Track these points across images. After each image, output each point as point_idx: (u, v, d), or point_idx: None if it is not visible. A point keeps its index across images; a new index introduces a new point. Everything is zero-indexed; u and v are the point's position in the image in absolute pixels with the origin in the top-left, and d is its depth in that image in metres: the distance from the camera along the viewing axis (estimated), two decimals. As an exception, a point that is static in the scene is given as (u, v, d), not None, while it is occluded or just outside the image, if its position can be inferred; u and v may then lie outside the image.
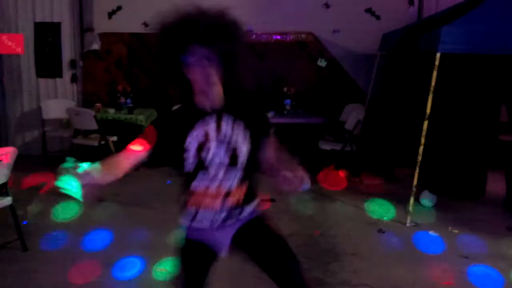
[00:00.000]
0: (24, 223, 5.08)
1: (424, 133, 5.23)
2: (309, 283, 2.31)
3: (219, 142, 2.23)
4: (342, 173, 7.15)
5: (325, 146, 7.09)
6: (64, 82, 8.15)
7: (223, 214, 2.31)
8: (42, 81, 8.09)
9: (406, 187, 5.78)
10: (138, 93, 8.13)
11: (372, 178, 7.06)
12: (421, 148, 5.27)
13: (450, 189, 6.19)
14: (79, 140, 7.29)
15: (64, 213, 5.53)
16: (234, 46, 2.21)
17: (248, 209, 2.38)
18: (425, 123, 5.22)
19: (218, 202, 2.28)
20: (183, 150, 2.24)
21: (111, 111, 7.51)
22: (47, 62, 8.04)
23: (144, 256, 4.48)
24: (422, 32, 5.80)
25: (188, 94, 2.29)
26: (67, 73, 8.14)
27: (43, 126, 7.71)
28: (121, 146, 7.68)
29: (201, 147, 2.22)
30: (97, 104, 7.60)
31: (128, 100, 7.80)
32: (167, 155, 2.32)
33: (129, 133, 7.65)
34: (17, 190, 5.12)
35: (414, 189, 5.41)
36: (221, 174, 2.25)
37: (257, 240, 2.38)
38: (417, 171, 5.32)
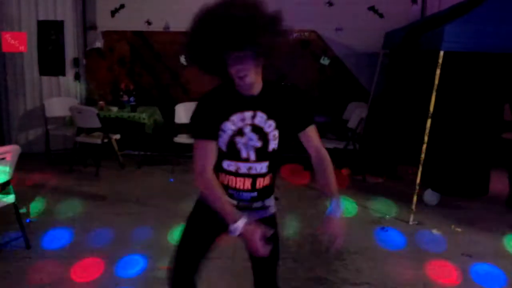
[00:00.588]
0: (27, 221, 5.09)
1: (427, 131, 5.22)
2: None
3: (254, 127, 2.32)
4: (344, 172, 7.15)
5: (328, 145, 7.07)
6: (67, 80, 8.15)
7: (252, 194, 2.40)
8: (45, 79, 8.10)
9: (409, 185, 5.77)
10: (141, 91, 8.14)
11: (375, 177, 7.06)
12: (424, 146, 5.26)
13: (453, 188, 6.18)
14: (82, 138, 7.30)
15: (67, 210, 5.55)
16: (272, 43, 2.24)
17: (267, 202, 2.48)
18: (428, 122, 5.21)
19: (248, 184, 2.37)
20: (219, 130, 2.31)
21: (114, 109, 7.51)
22: (50, 60, 8.04)
23: (147, 254, 4.48)
24: (425, 31, 5.78)
25: (228, 80, 2.33)
26: (70, 71, 8.14)
27: (46, 124, 7.71)
28: (124, 144, 7.76)
29: (237, 131, 2.31)
30: (100, 102, 7.61)
31: (131, 98, 7.80)
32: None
33: (132, 131, 7.68)
34: (20, 188, 5.13)
35: (417, 187, 5.40)
36: (252, 157, 2.34)
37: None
38: (420, 169, 5.31)
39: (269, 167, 2.40)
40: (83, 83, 8.23)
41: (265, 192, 2.45)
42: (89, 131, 7.32)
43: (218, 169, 2.39)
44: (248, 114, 2.32)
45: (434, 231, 5.18)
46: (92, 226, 5.15)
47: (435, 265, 4.39)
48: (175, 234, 4.79)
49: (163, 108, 7.99)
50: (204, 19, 2.22)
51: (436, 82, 5.13)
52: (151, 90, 8.28)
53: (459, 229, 5.25)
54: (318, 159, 2.45)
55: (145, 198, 6.01)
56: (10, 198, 4.47)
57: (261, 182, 2.40)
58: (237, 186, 2.39)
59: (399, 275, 4.19)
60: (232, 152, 2.34)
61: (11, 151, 4.31)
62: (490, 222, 5.44)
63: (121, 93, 7.98)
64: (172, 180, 6.86)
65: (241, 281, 3.91)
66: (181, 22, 8.81)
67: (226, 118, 2.31)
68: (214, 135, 2.33)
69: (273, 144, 2.36)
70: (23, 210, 5.02)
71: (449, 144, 6.12)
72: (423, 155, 5.26)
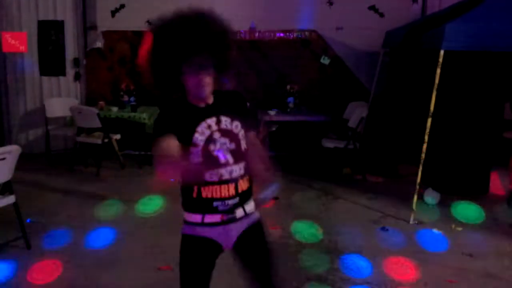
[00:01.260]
0: (28, 221, 5.09)
1: (427, 130, 5.22)
2: None
3: (223, 132, 2.34)
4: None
5: (329, 144, 7.08)
6: (67, 80, 8.15)
7: (235, 200, 2.37)
8: (45, 79, 8.10)
9: (409, 184, 5.77)
10: (142, 91, 8.13)
11: (376, 176, 7.05)
12: (425, 145, 5.25)
13: (453, 187, 6.18)
14: (82, 138, 7.30)
15: (68, 211, 5.55)
16: (228, 52, 2.36)
17: (248, 207, 2.45)
18: (429, 121, 5.20)
19: (231, 189, 2.35)
20: (190, 144, 2.29)
21: (115, 109, 7.52)
22: (51, 60, 8.04)
23: (148, 255, 4.49)
24: (426, 30, 5.78)
25: (180, 93, 2.39)
26: (70, 71, 8.14)
27: (47, 124, 7.72)
28: (124, 144, 7.75)
29: (208, 140, 2.31)
30: (101, 102, 7.61)
31: (132, 98, 7.81)
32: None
33: (132, 131, 7.68)
34: (20, 188, 5.13)
35: (417, 186, 5.39)
36: (231, 160, 2.33)
37: (253, 250, 2.49)
38: (420, 168, 5.31)
39: (246, 166, 2.39)
40: (84, 83, 8.23)
41: (245, 197, 2.42)
42: (90, 131, 7.32)
43: (200, 183, 2.35)
44: (211, 120, 2.34)
45: (435, 230, 5.18)
46: (92, 226, 5.15)
47: (435, 264, 4.38)
48: (176, 234, 4.79)
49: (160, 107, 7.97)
50: (162, 30, 2.33)
51: (437, 81, 5.12)
52: (152, 90, 8.25)
53: (459, 228, 5.24)
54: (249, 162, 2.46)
55: (145, 198, 6.00)
56: (11, 198, 4.47)
57: (241, 185, 2.38)
58: (222, 195, 2.34)
59: (399, 275, 4.19)
60: (210, 160, 2.31)
61: (11, 151, 4.32)
62: (491, 221, 5.43)
63: (122, 93, 7.99)
64: (173, 180, 6.84)
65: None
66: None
67: (193, 130, 2.30)
68: (173, 134, 2.30)
69: (243, 144, 2.40)
70: (23, 210, 5.01)
71: (450, 143, 6.12)
72: (423, 155, 5.26)
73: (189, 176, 2.31)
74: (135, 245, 4.72)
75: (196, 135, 2.30)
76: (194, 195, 2.37)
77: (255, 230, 2.49)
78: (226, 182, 2.33)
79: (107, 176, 7.01)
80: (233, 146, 2.35)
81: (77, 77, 8.17)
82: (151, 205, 5.77)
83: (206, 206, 2.36)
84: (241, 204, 2.40)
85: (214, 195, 2.34)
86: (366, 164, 7.11)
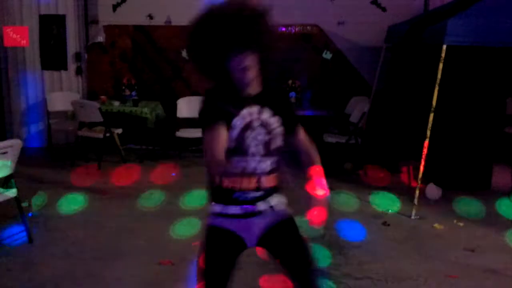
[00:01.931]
0: (30, 215, 5.09)
1: (429, 126, 5.21)
2: None
3: (261, 124, 2.33)
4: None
5: (330, 139, 7.07)
6: (69, 75, 8.15)
7: (259, 193, 2.35)
8: (47, 73, 8.10)
9: (411, 179, 5.76)
10: (143, 86, 8.13)
11: (377, 171, 7.04)
12: (427, 141, 5.24)
13: (455, 182, 6.18)
14: (84, 133, 7.30)
15: (69, 205, 5.56)
16: (271, 43, 2.34)
17: (273, 201, 2.41)
18: (431, 116, 5.19)
19: (253, 182, 2.33)
20: (229, 126, 2.28)
21: (116, 103, 7.51)
22: (52, 55, 8.04)
23: (149, 249, 4.49)
24: (428, 25, 5.76)
25: (227, 82, 2.35)
26: (72, 66, 8.13)
27: (48, 119, 7.73)
28: (126, 138, 7.75)
29: (246, 126, 2.31)
30: (102, 97, 7.61)
31: (133, 93, 7.80)
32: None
33: (134, 126, 7.68)
34: (22, 182, 5.13)
35: (419, 182, 5.39)
36: (260, 152, 2.33)
37: (286, 246, 2.43)
38: (422, 163, 5.30)
39: (274, 164, 2.38)
40: (85, 78, 8.23)
41: (270, 192, 2.40)
42: (91, 126, 7.32)
43: (226, 171, 2.33)
44: (255, 109, 2.33)
45: (436, 226, 5.18)
46: (94, 220, 5.16)
47: (437, 260, 4.39)
48: (177, 229, 4.81)
49: (165, 102, 7.98)
50: (208, 17, 2.29)
51: (439, 76, 5.11)
52: (153, 85, 8.26)
53: (461, 224, 5.24)
54: (306, 154, 2.55)
55: (147, 193, 6.01)
56: (12, 192, 4.48)
57: (265, 181, 2.35)
58: (243, 186, 2.32)
59: (401, 270, 4.19)
60: (240, 147, 2.31)
61: (13, 145, 4.32)
62: (492, 217, 5.43)
63: (123, 87, 7.99)
64: (174, 174, 6.86)
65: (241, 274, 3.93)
66: (182, 16, 8.77)
67: (236, 113, 2.30)
68: (224, 121, 2.27)
69: (278, 141, 2.37)
70: (25, 204, 5.02)
71: (452, 139, 6.12)
72: (425, 150, 5.25)
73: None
74: (136, 239, 4.72)
75: (237, 118, 2.30)
76: (217, 183, 2.36)
77: (285, 226, 2.44)
78: (249, 174, 2.32)
79: (109, 170, 7.01)
80: (267, 138, 2.33)
81: (78, 71, 8.17)
82: (152, 199, 5.78)
83: (226, 196, 2.35)
84: (264, 197, 2.37)
85: (235, 185, 2.32)
86: (367, 159, 7.10)
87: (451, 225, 5.20)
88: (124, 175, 6.79)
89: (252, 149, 2.32)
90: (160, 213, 5.39)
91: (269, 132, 2.34)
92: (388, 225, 5.20)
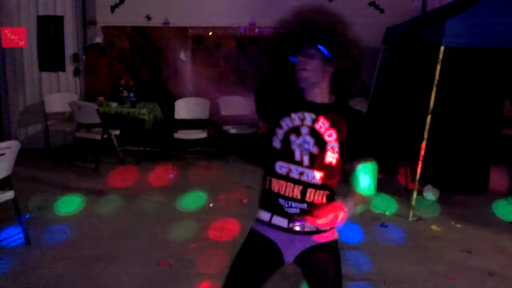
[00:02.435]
0: (27, 216, 5.08)
1: (427, 127, 5.21)
2: None
3: (312, 131, 2.24)
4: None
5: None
6: (67, 76, 8.14)
7: (303, 206, 2.23)
8: (45, 74, 8.08)
9: (409, 181, 5.77)
10: (141, 87, 8.12)
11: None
12: (424, 142, 5.25)
13: (453, 183, 6.18)
14: (82, 134, 7.30)
15: (67, 206, 5.55)
16: (348, 57, 2.26)
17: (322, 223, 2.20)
18: (428, 118, 5.20)
19: (297, 191, 2.24)
20: (277, 124, 2.27)
21: (114, 105, 7.50)
22: (50, 56, 8.03)
23: (147, 250, 4.49)
24: (426, 26, 5.77)
25: (294, 81, 2.31)
26: (70, 67, 8.13)
27: (46, 120, 7.72)
28: (124, 140, 7.75)
29: (293, 129, 2.25)
30: (100, 98, 7.60)
31: (131, 94, 7.80)
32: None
33: (132, 127, 7.67)
34: (19, 183, 5.12)
35: (417, 183, 5.39)
36: (306, 162, 2.22)
37: (317, 271, 2.34)
38: (420, 165, 5.30)
39: (324, 180, 2.24)
40: (83, 79, 8.22)
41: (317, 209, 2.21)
42: (89, 127, 7.32)
43: (270, 173, 2.29)
44: (309, 115, 2.26)
45: (434, 227, 5.18)
46: (91, 221, 5.15)
47: (434, 261, 4.39)
48: (175, 231, 4.80)
49: (163, 103, 7.97)
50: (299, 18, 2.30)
51: (437, 77, 5.12)
52: (151, 86, 8.26)
53: (458, 225, 5.24)
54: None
55: (146, 194, 6.00)
56: (10, 194, 4.47)
57: (312, 194, 2.23)
58: (287, 193, 2.23)
59: (398, 271, 4.19)
60: (285, 151, 2.23)
61: (10, 146, 4.31)
62: (490, 218, 5.43)
63: (121, 88, 7.97)
64: (172, 175, 6.85)
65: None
66: (180, 17, 8.78)
67: (287, 113, 2.27)
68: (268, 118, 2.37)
69: (330, 157, 2.23)
70: (22, 206, 5.00)
71: (449, 140, 6.12)
72: (423, 151, 5.26)
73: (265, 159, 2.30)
74: (134, 241, 4.72)
75: (287, 119, 2.26)
76: (267, 186, 2.30)
77: (325, 251, 2.33)
78: (293, 181, 2.23)
79: (107, 172, 7.00)
80: (315, 150, 2.22)
81: (76, 72, 8.16)
82: (150, 201, 5.77)
83: (273, 202, 2.27)
84: (307, 211, 2.22)
85: (280, 191, 2.24)
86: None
87: (449, 227, 5.20)
88: (122, 177, 6.79)
89: (297, 156, 2.23)
90: (158, 214, 5.38)
91: (319, 144, 2.22)
92: (386, 226, 5.20)
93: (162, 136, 7.78)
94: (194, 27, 7.83)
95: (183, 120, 7.61)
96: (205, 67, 8.09)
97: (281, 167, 2.25)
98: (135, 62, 8.23)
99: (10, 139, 7.41)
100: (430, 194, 5.96)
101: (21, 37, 7.33)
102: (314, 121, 2.24)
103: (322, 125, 2.24)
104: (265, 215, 2.31)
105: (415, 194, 5.39)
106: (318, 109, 2.27)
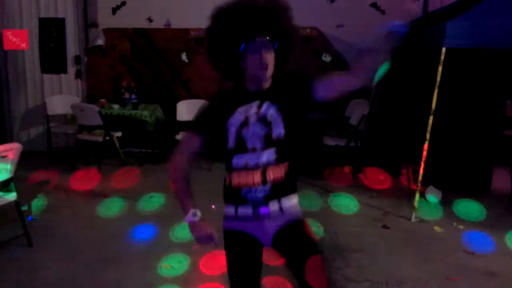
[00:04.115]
0: (29, 219, 5.09)
1: (429, 128, 5.20)
2: None
3: (258, 118, 2.30)
4: (347, 170, 7.13)
5: (330, 142, 7.07)
6: (68, 78, 8.15)
7: (267, 187, 2.30)
8: (46, 76, 8.10)
9: (411, 182, 5.76)
10: (143, 89, 8.13)
11: (377, 174, 7.04)
12: (426, 143, 5.24)
13: (455, 185, 6.17)
14: (83, 136, 7.30)
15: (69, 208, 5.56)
16: (291, 34, 2.33)
17: (287, 202, 2.36)
18: (430, 119, 5.19)
19: (258, 176, 2.29)
20: (227, 126, 2.32)
21: (116, 106, 7.51)
22: (52, 58, 8.04)
23: (149, 253, 4.49)
24: (427, 27, 5.76)
25: (238, 79, 2.37)
26: (71, 69, 8.14)
27: (48, 122, 7.72)
28: (125, 141, 7.74)
29: (243, 124, 2.30)
30: (102, 100, 7.61)
31: (133, 96, 7.80)
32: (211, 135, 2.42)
33: (133, 129, 7.68)
34: (21, 186, 5.13)
35: (419, 184, 5.39)
36: (258, 147, 2.29)
37: (295, 248, 2.37)
38: (422, 166, 5.30)
39: (278, 156, 2.30)
40: (85, 81, 8.23)
41: (281, 189, 2.33)
42: (91, 129, 7.33)
43: (229, 169, 2.36)
44: (254, 104, 2.31)
45: (436, 228, 5.18)
46: (93, 223, 5.15)
47: (437, 262, 4.38)
48: (177, 232, 4.80)
49: (164, 105, 7.98)
50: (233, 5, 2.27)
51: (438, 78, 5.11)
52: (153, 88, 8.26)
53: (461, 226, 5.24)
54: (348, 72, 2.37)
55: (147, 196, 6.00)
56: (12, 196, 4.47)
57: (271, 173, 2.29)
58: (248, 182, 2.30)
59: (401, 272, 4.19)
60: (239, 146, 2.30)
61: (12, 149, 4.31)
62: (492, 219, 5.42)
63: (123, 90, 7.98)
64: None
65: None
66: (182, 19, 8.77)
67: (232, 112, 2.31)
68: (205, 130, 2.39)
69: (277, 131, 2.30)
70: (25, 208, 5.01)
71: (451, 141, 6.11)
72: (425, 152, 5.25)
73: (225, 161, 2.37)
74: (136, 242, 4.72)
75: (236, 115, 2.31)
76: (227, 183, 2.38)
77: (294, 228, 2.38)
78: (252, 169, 2.29)
79: (108, 173, 7.01)
80: (263, 132, 2.29)
81: (78, 74, 8.17)
82: (153, 202, 5.77)
83: (236, 196, 2.34)
84: (274, 197, 2.32)
85: (241, 182, 2.31)
86: (367, 162, 7.09)
87: (451, 228, 5.19)
88: (124, 178, 6.79)
89: (249, 145, 2.30)
90: (159, 216, 5.38)
91: (267, 124, 2.29)
92: (388, 228, 5.19)
93: (164, 137, 7.79)
94: (196, 28, 7.84)
95: (185, 121, 7.61)
96: (206, 69, 8.09)
97: (237, 160, 2.32)
98: (137, 64, 8.24)
99: (12, 141, 7.42)
100: (432, 196, 5.95)
101: (23, 39, 7.34)
102: (259, 107, 2.31)
103: (266, 107, 2.30)
104: (230, 210, 2.38)
105: (417, 195, 5.39)
106: (262, 95, 2.33)
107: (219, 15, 2.30)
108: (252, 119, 2.29)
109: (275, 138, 2.30)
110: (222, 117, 2.33)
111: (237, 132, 2.30)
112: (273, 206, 2.33)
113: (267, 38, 2.24)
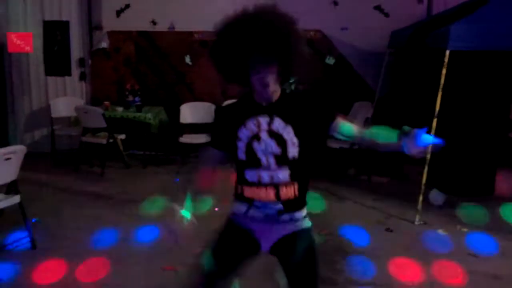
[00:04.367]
0: (33, 221, 5.10)
1: (433, 131, 5.20)
2: None
3: (271, 133, 2.31)
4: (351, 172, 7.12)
5: (334, 144, 7.06)
6: (72, 80, 8.17)
7: (278, 206, 2.35)
8: (51, 79, 8.12)
9: (414, 185, 5.75)
10: (146, 91, 8.14)
11: (381, 177, 7.04)
12: (430, 146, 5.22)
13: (459, 188, 6.16)
14: (87, 138, 7.32)
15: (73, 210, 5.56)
16: (293, 52, 2.31)
17: (298, 214, 2.41)
18: (434, 121, 5.18)
19: (271, 194, 2.33)
20: (236, 137, 2.34)
21: (120, 109, 7.52)
22: (56, 61, 8.06)
23: (152, 255, 4.49)
24: (431, 30, 5.76)
25: (247, 89, 2.40)
26: (75, 71, 8.16)
27: (52, 124, 7.74)
28: (129, 144, 7.75)
29: (253, 137, 2.32)
30: (106, 102, 7.62)
31: (137, 98, 7.81)
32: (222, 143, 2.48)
33: (137, 131, 7.69)
34: (26, 188, 5.14)
35: (423, 187, 5.38)
36: (273, 165, 2.31)
37: (296, 258, 2.40)
38: (426, 169, 5.29)
39: (292, 175, 2.34)
40: (89, 83, 8.25)
41: (293, 205, 2.38)
42: (95, 131, 7.34)
43: (242, 181, 2.40)
44: (263, 119, 2.32)
45: (440, 231, 5.16)
46: (97, 226, 5.16)
47: (440, 266, 4.36)
48: (179, 234, 4.78)
49: (168, 108, 7.99)
50: (234, 23, 2.28)
51: (442, 81, 5.10)
52: (157, 90, 8.27)
53: (465, 229, 5.22)
54: (367, 135, 2.40)
55: (150, 199, 6.00)
56: (16, 198, 4.48)
57: (284, 192, 2.33)
58: (262, 197, 2.34)
59: (404, 276, 4.17)
60: (252, 160, 2.33)
61: (17, 151, 4.33)
62: (496, 222, 5.40)
63: (127, 93, 7.99)
64: (177, 180, 6.86)
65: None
66: (186, 22, 8.79)
67: (242, 123, 2.33)
68: (221, 145, 2.45)
69: (292, 151, 2.32)
70: (28, 210, 5.02)
71: (455, 144, 6.09)
72: (428, 155, 5.24)
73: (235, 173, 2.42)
74: (140, 245, 4.72)
75: (244, 129, 2.32)
76: (239, 191, 2.43)
77: (299, 238, 2.41)
78: (266, 185, 2.32)
79: (112, 176, 7.02)
80: (278, 150, 2.31)
81: (82, 77, 8.19)
82: (156, 205, 5.77)
83: (249, 202, 2.39)
84: (286, 211, 2.37)
85: (255, 197, 2.36)
86: (371, 165, 7.09)
87: (455, 231, 5.18)
88: (128, 181, 6.80)
89: (264, 161, 2.31)
90: (164, 218, 5.38)
91: (280, 143, 2.30)
92: (392, 231, 5.18)
93: (168, 140, 7.80)
94: (200, 31, 7.84)
95: (188, 124, 7.62)
96: (210, 71, 8.09)
97: (251, 176, 2.34)
98: (141, 67, 8.25)
99: (16, 143, 7.45)
100: (436, 199, 5.94)
101: (27, 42, 7.36)
102: (270, 123, 2.31)
103: (278, 124, 2.31)
104: (241, 208, 2.43)
105: (421, 198, 5.37)
106: (270, 110, 2.34)
107: (222, 34, 2.32)
108: (264, 134, 2.31)
109: (291, 157, 2.32)
110: (231, 128, 2.36)
111: (247, 145, 2.32)
112: (285, 217, 2.38)
113: (268, 56, 2.24)
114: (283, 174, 2.32)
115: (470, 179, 6.19)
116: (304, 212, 2.45)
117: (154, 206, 5.73)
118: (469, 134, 6.12)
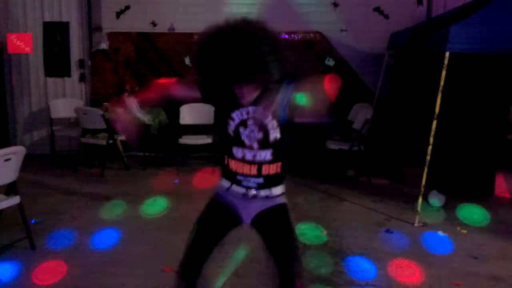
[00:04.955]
0: (32, 221, 5.10)
1: (432, 132, 5.20)
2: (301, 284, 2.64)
3: (254, 122, 2.49)
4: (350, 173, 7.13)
5: (333, 146, 7.07)
6: (72, 82, 8.17)
7: (258, 180, 2.54)
8: (50, 80, 8.12)
9: (414, 187, 5.76)
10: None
11: (380, 178, 7.04)
12: (430, 147, 5.24)
13: (458, 189, 6.16)
14: (87, 139, 7.32)
15: (72, 211, 5.56)
16: (267, 68, 2.33)
17: (275, 191, 2.59)
18: (434, 123, 5.19)
19: (254, 170, 2.53)
20: (229, 117, 2.52)
21: (119, 110, 7.50)
22: (56, 62, 8.06)
23: (152, 255, 4.49)
24: (431, 32, 5.77)
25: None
26: (75, 73, 8.16)
27: (52, 125, 7.74)
28: (128, 145, 7.74)
29: (242, 123, 2.51)
30: (105, 104, 7.62)
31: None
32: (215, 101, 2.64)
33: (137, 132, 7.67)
34: (25, 189, 5.14)
35: (422, 189, 5.38)
36: (255, 146, 2.51)
37: (274, 229, 2.62)
38: (425, 171, 5.29)
39: (274, 155, 2.53)
40: (89, 84, 8.25)
41: (272, 180, 2.57)
42: (94, 132, 7.34)
43: (229, 155, 2.58)
44: (252, 108, 2.49)
45: (440, 233, 5.16)
46: (97, 226, 5.16)
47: (440, 267, 4.37)
48: (179, 235, 4.79)
49: (168, 109, 7.98)
50: (208, 43, 2.42)
51: (442, 83, 5.11)
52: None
53: (464, 231, 5.22)
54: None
55: (150, 200, 6.01)
56: (16, 199, 4.48)
57: (267, 169, 2.54)
58: (245, 172, 2.54)
59: (404, 277, 4.18)
60: (238, 139, 2.52)
61: (16, 152, 4.33)
62: (496, 224, 5.41)
63: (126, 94, 7.99)
64: (177, 181, 6.86)
65: (243, 280, 3.92)
66: (185, 23, 8.80)
67: (237, 107, 2.50)
68: (207, 95, 2.59)
69: (274, 134, 2.50)
70: (28, 211, 5.02)
71: (455, 145, 6.11)
72: (428, 157, 5.25)
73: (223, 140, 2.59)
74: (139, 246, 4.72)
75: (237, 111, 2.50)
76: (225, 162, 2.62)
77: (277, 212, 2.61)
78: (249, 162, 2.52)
79: (112, 177, 7.02)
80: (260, 135, 2.49)
81: (82, 78, 8.19)
82: (156, 206, 5.78)
83: (232, 177, 2.58)
84: (266, 186, 2.56)
85: (238, 170, 2.56)
86: (370, 166, 7.10)
87: (455, 232, 5.18)
88: (127, 182, 6.80)
89: (247, 143, 2.51)
90: (163, 219, 5.39)
91: (262, 128, 2.49)
92: (391, 232, 5.18)
93: (167, 141, 7.80)
94: (199, 32, 7.84)
95: (188, 125, 7.62)
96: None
97: (236, 151, 2.55)
98: (141, 68, 8.25)
99: (16, 144, 7.44)
100: (436, 200, 5.94)
101: (27, 43, 7.37)
102: (255, 111, 2.49)
103: (260, 112, 2.45)
104: (225, 183, 2.64)
105: (420, 199, 5.38)
106: (255, 102, 2.50)
107: (204, 47, 2.44)
108: (250, 122, 2.49)
109: (273, 140, 2.51)
110: (227, 105, 2.52)
111: (236, 127, 2.51)
112: (264, 192, 2.58)
113: (239, 75, 2.31)
114: (266, 154, 2.52)
115: (470, 181, 6.20)
116: (281, 189, 2.63)
117: (154, 207, 5.75)
118: (469, 135, 6.13)
